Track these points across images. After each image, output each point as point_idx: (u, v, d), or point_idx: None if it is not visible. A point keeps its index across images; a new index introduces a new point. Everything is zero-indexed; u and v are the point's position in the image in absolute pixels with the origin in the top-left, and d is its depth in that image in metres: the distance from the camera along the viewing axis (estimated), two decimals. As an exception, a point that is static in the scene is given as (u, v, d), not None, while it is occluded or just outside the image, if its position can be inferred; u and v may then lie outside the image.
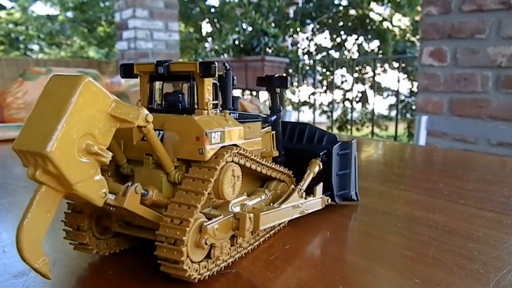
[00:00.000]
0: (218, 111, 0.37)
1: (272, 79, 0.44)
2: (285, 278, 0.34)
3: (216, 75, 0.36)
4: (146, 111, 0.29)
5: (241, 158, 0.37)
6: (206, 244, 0.32)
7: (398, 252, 0.39)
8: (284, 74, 0.48)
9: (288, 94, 6.58)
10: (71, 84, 0.26)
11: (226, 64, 0.38)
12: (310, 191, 0.46)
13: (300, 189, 0.44)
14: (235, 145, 0.36)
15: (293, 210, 0.43)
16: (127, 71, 0.37)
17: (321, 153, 0.48)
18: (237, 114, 0.40)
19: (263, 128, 0.43)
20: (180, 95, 0.36)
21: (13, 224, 0.46)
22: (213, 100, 0.36)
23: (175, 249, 0.30)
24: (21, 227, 0.26)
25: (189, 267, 0.31)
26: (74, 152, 0.26)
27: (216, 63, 0.34)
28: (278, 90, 0.45)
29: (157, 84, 0.37)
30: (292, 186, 0.45)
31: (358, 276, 0.34)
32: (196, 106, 0.35)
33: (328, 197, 0.49)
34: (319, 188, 0.47)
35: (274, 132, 0.44)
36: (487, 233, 0.44)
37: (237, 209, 0.37)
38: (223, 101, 0.38)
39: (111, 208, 0.31)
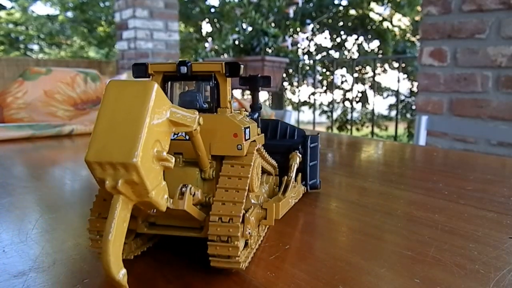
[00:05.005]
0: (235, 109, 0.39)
1: (256, 79, 0.46)
2: (285, 278, 0.34)
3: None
4: (197, 114, 0.30)
5: (260, 152, 0.39)
6: (249, 234, 0.33)
7: (398, 252, 0.39)
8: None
9: (288, 94, 6.58)
10: (142, 90, 0.26)
11: None
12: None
13: (294, 180, 0.49)
14: (254, 141, 0.38)
15: (292, 199, 0.48)
16: (139, 71, 0.37)
17: (299, 147, 0.53)
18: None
19: None
20: (197, 95, 0.37)
21: (14, 224, 0.46)
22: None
23: (230, 246, 0.32)
24: (108, 241, 0.25)
25: (242, 258, 0.33)
26: (151, 159, 0.26)
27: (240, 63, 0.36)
28: (260, 89, 0.47)
29: (175, 85, 0.38)
30: (285, 177, 0.48)
31: (358, 276, 0.34)
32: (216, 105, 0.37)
33: (304, 187, 0.54)
34: (299, 178, 0.52)
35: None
36: (487, 233, 0.44)
37: (253, 201, 0.39)
38: None
39: (153, 211, 0.31)
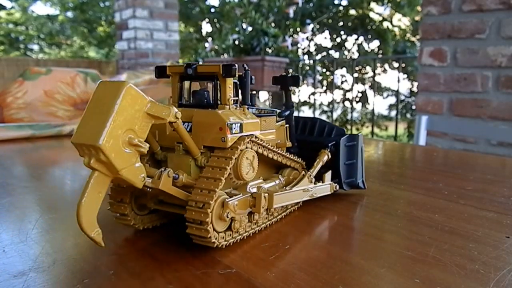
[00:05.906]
0: (238, 106, 0.42)
1: (286, 78, 0.49)
2: (285, 278, 0.34)
3: (237, 75, 0.42)
4: (176, 109, 0.35)
5: (255, 145, 0.42)
6: (227, 217, 0.38)
7: (398, 252, 0.39)
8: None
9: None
10: (115, 89, 0.32)
11: (245, 66, 0.43)
12: (320, 178, 0.52)
13: (310, 175, 0.50)
14: (252, 135, 0.42)
15: (303, 193, 0.48)
16: (160, 72, 0.43)
17: (329, 144, 0.53)
18: (255, 109, 0.45)
19: (278, 121, 0.48)
20: (205, 93, 0.42)
21: (13, 224, 0.46)
22: (234, 96, 0.41)
23: (203, 212, 0.36)
24: (80, 204, 0.31)
25: (212, 229, 0.37)
26: (119, 144, 0.32)
27: (236, 65, 0.40)
28: (291, 88, 0.50)
29: (186, 83, 0.43)
30: (303, 172, 0.50)
31: (358, 276, 0.34)
32: (219, 102, 0.41)
33: (336, 184, 0.54)
34: (328, 175, 0.53)
35: (287, 125, 0.50)
36: (487, 233, 0.44)
37: (254, 190, 0.43)
38: (242, 98, 0.45)
39: (148, 189, 0.36)
